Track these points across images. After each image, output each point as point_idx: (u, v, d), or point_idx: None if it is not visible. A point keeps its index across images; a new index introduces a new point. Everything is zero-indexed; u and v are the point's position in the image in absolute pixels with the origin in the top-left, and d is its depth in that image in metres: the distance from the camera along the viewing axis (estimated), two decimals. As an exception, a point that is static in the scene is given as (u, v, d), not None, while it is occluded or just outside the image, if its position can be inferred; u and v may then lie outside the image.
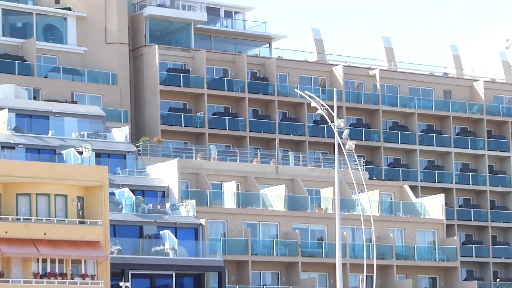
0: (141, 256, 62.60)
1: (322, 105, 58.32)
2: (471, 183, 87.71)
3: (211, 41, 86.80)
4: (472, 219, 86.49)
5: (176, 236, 64.05)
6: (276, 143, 79.80)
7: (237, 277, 68.05)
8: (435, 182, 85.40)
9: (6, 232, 54.98)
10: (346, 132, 58.00)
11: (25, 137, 67.05)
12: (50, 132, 68.81)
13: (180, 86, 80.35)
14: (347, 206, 67.59)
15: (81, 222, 57.40)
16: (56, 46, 79.47)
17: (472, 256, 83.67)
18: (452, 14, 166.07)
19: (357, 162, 65.25)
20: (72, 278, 56.71)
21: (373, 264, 57.81)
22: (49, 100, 73.41)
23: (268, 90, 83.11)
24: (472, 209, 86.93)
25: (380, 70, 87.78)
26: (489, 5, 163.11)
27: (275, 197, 71.01)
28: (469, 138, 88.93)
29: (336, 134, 57.41)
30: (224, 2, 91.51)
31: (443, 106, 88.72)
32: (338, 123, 57.90)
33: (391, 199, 75.96)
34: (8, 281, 55.15)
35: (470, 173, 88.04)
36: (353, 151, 59.08)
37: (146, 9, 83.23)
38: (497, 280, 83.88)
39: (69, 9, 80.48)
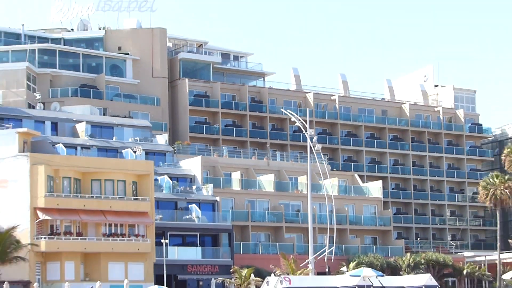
0: (175, 222, 62.66)
1: (299, 120, 58.39)
2: (400, 173, 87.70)
3: (224, 76, 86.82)
4: (401, 198, 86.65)
5: (199, 208, 64.17)
6: (268, 145, 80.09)
7: (241, 236, 68.15)
8: (375, 172, 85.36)
9: (84, 206, 55.56)
10: (315, 138, 57.92)
11: (97, 141, 67.06)
12: (114, 137, 68.81)
13: (203, 106, 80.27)
14: (315, 189, 67.61)
15: (135, 199, 57.80)
16: (118, 79, 79.47)
17: (401, 223, 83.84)
18: (387, 57, 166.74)
19: (323, 158, 65.22)
20: (129, 237, 57.20)
21: (334, 228, 58.00)
22: (113, 116, 73.44)
23: (262, 110, 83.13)
24: (400, 191, 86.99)
25: (339, 96, 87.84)
26: (413, 52, 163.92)
27: (267, 182, 71.13)
28: (398, 142, 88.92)
29: (308, 140, 57.38)
30: (232, 49, 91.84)
31: (381, 121, 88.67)
32: (310, 132, 57.88)
33: (345, 184, 75.95)
34: (85, 239, 55.57)
35: (399, 167, 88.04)
36: (320, 151, 59.05)
37: (180, 54, 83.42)
38: (418, 239, 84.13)
39: (127, 54, 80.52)
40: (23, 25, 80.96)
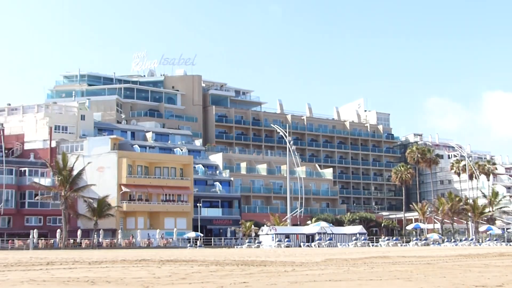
0: (206, 193, 62.03)
1: (282, 131, 58.09)
2: (343, 164, 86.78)
3: (236, 104, 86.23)
4: (344, 179, 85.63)
5: (221, 185, 63.62)
6: (263, 146, 79.54)
7: (246, 202, 67.28)
8: (329, 163, 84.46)
9: (150, 183, 55.09)
10: (292, 142, 57.64)
11: (158, 143, 66.43)
12: (169, 141, 68.26)
13: (223, 123, 79.62)
14: (292, 173, 67.17)
15: (181, 179, 57.25)
16: (172, 106, 78.45)
17: (344, 194, 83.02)
18: (336, 92, 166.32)
19: (296, 155, 64.94)
20: (177, 202, 56.53)
21: (303, 197, 57.58)
22: (169, 128, 72.91)
23: (259, 125, 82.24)
24: (344, 175, 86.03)
25: (306, 117, 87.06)
26: (351, 89, 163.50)
27: (262, 169, 70.46)
28: (343, 145, 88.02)
29: (287, 143, 57.04)
30: (241, 88, 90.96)
31: (332, 132, 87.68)
32: (289, 138, 57.55)
33: (310, 170, 75.34)
34: (150, 203, 54.74)
35: (343, 160, 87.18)
36: (294, 150, 58.77)
37: (210, 90, 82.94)
38: (354, 204, 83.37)
39: (178, 90, 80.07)
40: (114, 72, 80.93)
